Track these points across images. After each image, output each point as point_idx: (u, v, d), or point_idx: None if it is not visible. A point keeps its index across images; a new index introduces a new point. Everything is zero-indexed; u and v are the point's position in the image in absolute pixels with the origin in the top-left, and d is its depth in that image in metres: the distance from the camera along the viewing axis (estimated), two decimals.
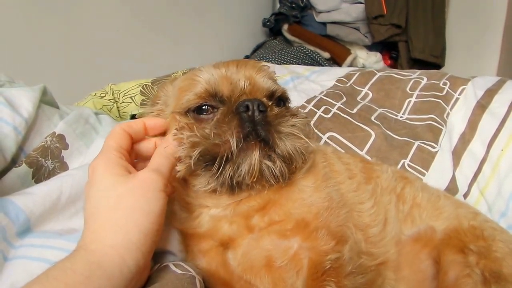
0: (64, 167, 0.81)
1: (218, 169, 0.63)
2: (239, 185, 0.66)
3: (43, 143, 0.78)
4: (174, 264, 0.63)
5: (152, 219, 0.60)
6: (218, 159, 0.62)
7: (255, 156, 0.63)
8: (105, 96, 1.35)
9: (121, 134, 0.67)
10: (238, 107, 0.64)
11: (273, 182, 0.66)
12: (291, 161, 0.66)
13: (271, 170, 0.64)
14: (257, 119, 0.64)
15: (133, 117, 1.26)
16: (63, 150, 0.81)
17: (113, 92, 1.37)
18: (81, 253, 0.55)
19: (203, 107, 0.69)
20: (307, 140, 0.67)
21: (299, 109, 0.75)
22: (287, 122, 0.67)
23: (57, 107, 0.92)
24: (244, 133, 0.63)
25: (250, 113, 0.64)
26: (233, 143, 0.62)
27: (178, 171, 0.67)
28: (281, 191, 0.71)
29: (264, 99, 0.68)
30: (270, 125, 0.64)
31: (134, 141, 0.69)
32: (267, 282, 0.67)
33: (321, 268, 0.63)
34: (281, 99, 0.75)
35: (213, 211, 0.71)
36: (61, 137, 0.82)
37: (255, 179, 0.64)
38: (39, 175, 0.76)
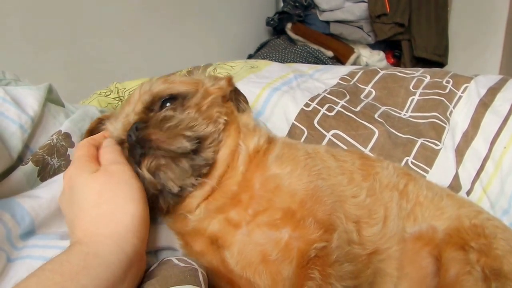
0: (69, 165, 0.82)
1: None
2: (176, 194, 0.71)
3: (49, 141, 0.79)
4: (177, 258, 0.63)
5: (138, 204, 0.62)
6: None
7: (145, 171, 0.68)
8: (110, 94, 1.36)
9: (86, 146, 0.71)
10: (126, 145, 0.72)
11: (190, 175, 0.71)
12: (188, 150, 0.70)
13: (173, 168, 0.69)
14: (137, 138, 0.69)
15: None
16: (69, 148, 0.82)
17: (118, 90, 1.38)
18: (76, 246, 0.56)
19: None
20: (185, 134, 0.70)
21: (193, 99, 0.79)
22: (169, 122, 0.70)
23: (63, 106, 0.93)
24: (137, 157, 0.69)
25: (133, 139, 0.69)
26: None
27: None
28: (253, 186, 0.73)
29: (143, 116, 0.74)
30: (151, 133, 0.69)
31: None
32: (266, 278, 0.67)
33: (307, 257, 0.64)
34: (171, 98, 0.78)
35: (189, 216, 0.74)
36: (66, 135, 0.82)
37: (159, 187, 0.69)
38: (45, 173, 0.77)
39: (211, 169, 0.75)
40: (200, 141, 0.72)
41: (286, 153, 0.78)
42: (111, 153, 0.69)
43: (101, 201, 0.61)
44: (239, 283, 0.70)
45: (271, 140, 0.83)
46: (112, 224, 0.59)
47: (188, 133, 0.70)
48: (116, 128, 0.76)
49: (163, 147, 0.68)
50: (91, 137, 0.76)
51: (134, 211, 0.61)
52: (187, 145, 0.69)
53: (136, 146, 0.69)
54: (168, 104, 0.76)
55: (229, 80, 0.90)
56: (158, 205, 0.72)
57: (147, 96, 0.76)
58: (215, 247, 0.72)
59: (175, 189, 0.70)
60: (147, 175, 0.68)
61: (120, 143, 0.74)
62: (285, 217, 0.68)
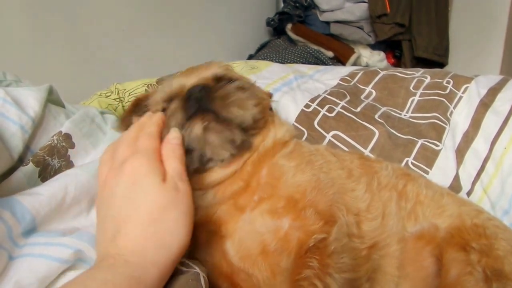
0: (70, 166, 0.82)
1: None
2: (203, 162, 0.73)
3: (50, 142, 0.79)
4: (179, 262, 0.63)
5: (189, 235, 0.59)
6: None
7: (198, 126, 0.69)
8: (110, 95, 1.36)
9: (157, 137, 0.66)
10: (183, 96, 0.73)
11: (230, 147, 0.72)
12: (240, 123, 0.73)
13: (219, 133, 0.71)
14: (198, 96, 0.71)
15: None
16: (69, 149, 0.82)
17: (118, 91, 1.38)
18: (121, 264, 0.52)
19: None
20: (257, 96, 0.76)
21: (249, 82, 0.84)
22: (231, 93, 0.74)
23: (63, 106, 0.93)
24: (189, 112, 0.70)
25: (192, 94, 0.72)
26: (178, 122, 0.70)
27: None
28: (261, 171, 0.75)
29: (210, 83, 0.76)
30: (214, 97, 0.71)
31: None
32: (265, 270, 0.68)
33: (306, 246, 0.64)
34: (231, 81, 0.80)
35: (201, 202, 0.75)
36: (67, 136, 0.82)
37: (204, 140, 0.70)
38: (46, 174, 0.77)
39: (241, 155, 0.77)
40: (251, 125, 0.76)
41: (295, 150, 0.81)
42: (178, 162, 0.64)
43: (162, 220, 0.56)
44: (238, 279, 0.70)
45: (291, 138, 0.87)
46: (165, 251, 0.55)
47: (251, 105, 0.75)
48: (177, 83, 0.79)
49: (222, 113, 0.70)
50: (156, 123, 0.70)
51: (183, 242, 0.57)
52: (248, 117, 0.73)
53: (194, 102, 0.71)
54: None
55: (270, 95, 1.00)
56: None
57: (219, 70, 0.81)
58: (218, 237, 0.73)
59: (207, 155, 0.72)
60: (197, 131, 0.69)
61: (171, 99, 0.77)
62: (288, 205, 0.69)
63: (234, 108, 0.72)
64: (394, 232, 0.78)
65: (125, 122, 0.93)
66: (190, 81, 0.78)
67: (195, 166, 0.73)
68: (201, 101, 0.70)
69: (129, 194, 0.58)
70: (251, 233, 0.70)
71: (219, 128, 0.70)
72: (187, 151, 0.69)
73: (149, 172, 0.59)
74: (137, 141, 0.65)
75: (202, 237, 0.74)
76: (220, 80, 0.79)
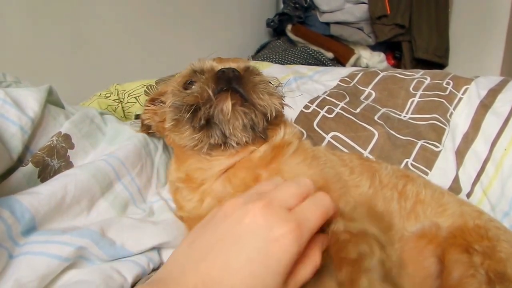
0: (69, 166, 0.81)
1: (195, 112, 0.73)
2: (220, 134, 0.74)
3: (49, 143, 0.79)
4: None
5: None
6: (194, 105, 0.72)
7: (227, 101, 0.71)
8: (110, 96, 1.36)
9: (322, 221, 0.59)
10: (216, 72, 0.75)
11: (249, 133, 0.75)
12: (265, 112, 0.75)
13: (245, 115, 0.73)
14: (231, 76, 0.73)
15: (137, 117, 1.27)
16: (69, 150, 0.82)
17: (117, 92, 1.38)
18: None
19: (189, 83, 0.80)
20: (279, 95, 0.79)
21: (275, 79, 0.85)
22: (260, 83, 0.76)
23: (63, 107, 0.93)
24: (219, 87, 0.72)
25: (225, 72, 0.73)
26: (209, 91, 0.72)
27: (166, 126, 0.80)
28: (271, 169, 0.76)
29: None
30: (245, 82, 0.74)
31: None
32: None
33: None
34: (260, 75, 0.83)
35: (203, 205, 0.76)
36: (66, 137, 0.82)
37: (229, 118, 0.72)
38: (45, 174, 0.77)
39: (247, 147, 0.79)
40: (271, 118, 0.78)
41: (299, 148, 0.83)
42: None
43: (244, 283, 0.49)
44: None
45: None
46: None
47: (277, 99, 0.77)
48: (208, 64, 0.81)
49: (251, 97, 0.73)
50: (333, 207, 0.61)
51: None
52: (273, 109, 0.75)
53: (226, 80, 0.73)
54: None
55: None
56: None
57: (246, 63, 0.83)
58: None
59: (226, 133, 0.73)
60: (227, 106, 0.71)
61: (194, 71, 0.80)
62: None
63: (265, 95, 0.75)
64: (395, 231, 0.78)
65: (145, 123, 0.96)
66: (222, 65, 0.80)
67: (216, 142, 0.75)
68: (232, 82, 0.73)
69: (256, 259, 0.50)
70: None
71: (246, 110, 0.73)
72: (209, 123, 0.73)
73: (286, 263, 0.50)
74: (307, 203, 0.57)
75: None
76: (251, 72, 0.80)
